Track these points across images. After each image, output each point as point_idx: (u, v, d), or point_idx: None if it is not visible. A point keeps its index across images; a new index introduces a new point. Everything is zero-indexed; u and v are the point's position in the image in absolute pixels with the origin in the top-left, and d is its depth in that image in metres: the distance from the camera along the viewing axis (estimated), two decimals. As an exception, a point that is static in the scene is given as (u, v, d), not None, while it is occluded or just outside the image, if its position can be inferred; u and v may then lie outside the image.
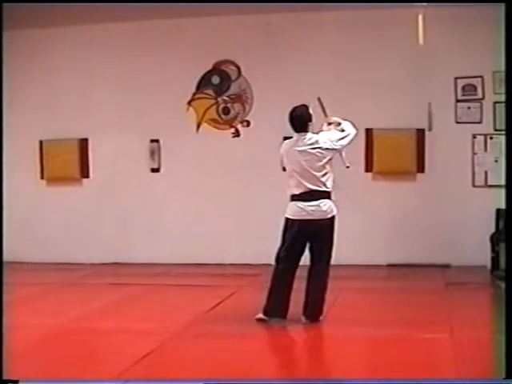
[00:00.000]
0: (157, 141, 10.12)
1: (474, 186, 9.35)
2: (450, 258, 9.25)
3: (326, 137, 6.03)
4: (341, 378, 4.62)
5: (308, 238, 6.02)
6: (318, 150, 5.94)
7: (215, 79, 10.01)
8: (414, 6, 8.15)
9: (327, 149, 5.97)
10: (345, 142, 6.07)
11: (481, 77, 9.24)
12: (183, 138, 9.98)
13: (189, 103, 10.06)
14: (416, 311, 6.61)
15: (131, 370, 4.69)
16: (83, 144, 10.28)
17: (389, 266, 9.39)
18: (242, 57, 9.83)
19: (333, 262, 6.12)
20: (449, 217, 9.35)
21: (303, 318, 5.99)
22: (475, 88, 9.30)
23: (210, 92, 10.04)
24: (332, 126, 6.20)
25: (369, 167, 9.55)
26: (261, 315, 6.05)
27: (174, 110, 9.96)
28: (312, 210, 5.94)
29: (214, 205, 9.89)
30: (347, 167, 6.17)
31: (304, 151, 5.95)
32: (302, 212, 5.96)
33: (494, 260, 8.74)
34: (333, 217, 6.00)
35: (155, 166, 10.17)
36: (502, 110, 8.33)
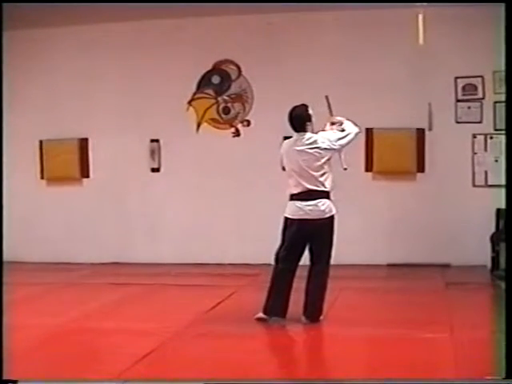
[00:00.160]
0: (157, 141, 10.12)
1: (474, 185, 9.35)
2: (450, 257, 9.26)
3: (324, 137, 6.02)
4: (341, 378, 4.61)
5: (307, 237, 6.01)
6: (316, 149, 5.93)
7: (215, 79, 10.01)
8: (414, 5, 8.13)
9: (326, 149, 5.95)
10: (344, 141, 6.06)
11: (481, 76, 9.25)
12: (183, 137, 9.99)
13: (189, 103, 10.06)
14: (416, 311, 6.60)
15: (131, 370, 4.69)
16: (83, 144, 10.28)
17: (389, 265, 9.39)
18: (242, 57, 9.84)
19: (333, 261, 6.12)
20: (449, 217, 9.35)
21: (303, 318, 5.99)
22: (475, 88, 9.30)
23: (210, 92, 10.04)
24: (335, 126, 6.18)
25: (369, 167, 9.56)
26: (260, 314, 6.06)
27: (174, 109, 9.96)
28: (310, 210, 5.93)
29: (214, 205, 9.89)
30: (345, 169, 6.15)
31: (302, 151, 5.95)
32: (300, 211, 5.96)
33: (494, 260, 8.74)
34: (332, 216, 5.99)
35: (155, 166, 10.17)
36: (502, 110, 8.32)
